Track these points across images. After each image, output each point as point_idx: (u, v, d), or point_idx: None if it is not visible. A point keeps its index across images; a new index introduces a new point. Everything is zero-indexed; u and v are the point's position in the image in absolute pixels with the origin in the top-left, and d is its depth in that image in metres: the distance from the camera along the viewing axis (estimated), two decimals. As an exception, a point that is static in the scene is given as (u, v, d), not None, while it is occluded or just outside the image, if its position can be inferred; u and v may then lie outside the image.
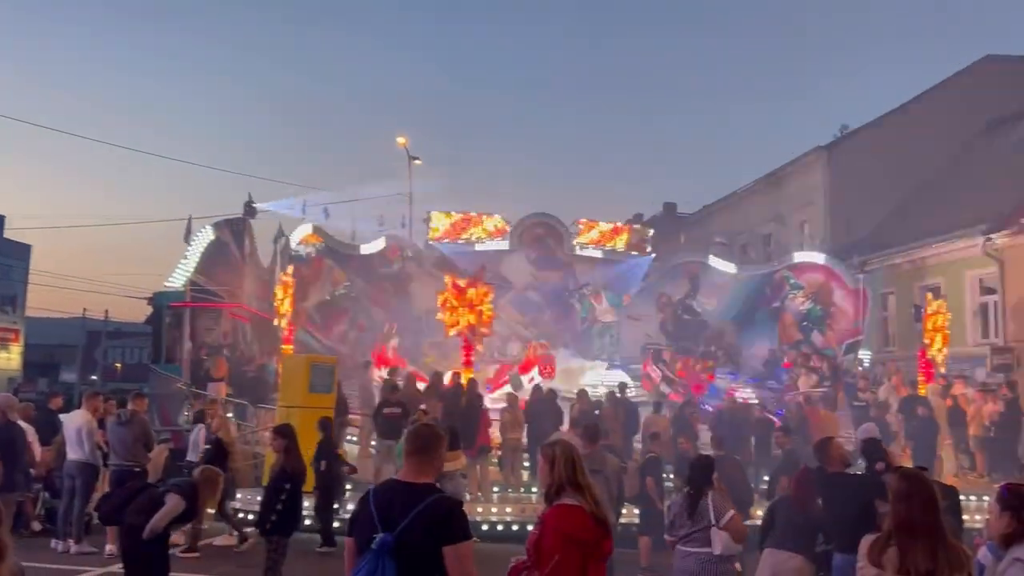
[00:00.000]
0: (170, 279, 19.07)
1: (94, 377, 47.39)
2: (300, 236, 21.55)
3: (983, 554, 5.76)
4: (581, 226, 24.48)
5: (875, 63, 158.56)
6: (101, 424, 10.87)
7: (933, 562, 3.45)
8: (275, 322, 18.28)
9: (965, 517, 12.54)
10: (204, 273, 18.66)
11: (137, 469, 9.92)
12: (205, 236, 19.38)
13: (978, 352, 21.69)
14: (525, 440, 14.22)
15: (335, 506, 12.09)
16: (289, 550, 7.41)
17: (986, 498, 12.59)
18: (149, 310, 22.24)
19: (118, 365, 51.08)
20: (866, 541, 3.73)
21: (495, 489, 13.67)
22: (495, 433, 14.22)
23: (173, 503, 6.12)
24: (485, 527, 12.28)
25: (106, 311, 46.69)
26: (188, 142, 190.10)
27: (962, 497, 13.50)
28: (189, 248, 19.11)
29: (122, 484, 9.99)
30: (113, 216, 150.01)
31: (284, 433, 7.51)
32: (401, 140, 31.55)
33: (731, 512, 6.05)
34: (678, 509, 6.14)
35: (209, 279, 18.68)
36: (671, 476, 11.61)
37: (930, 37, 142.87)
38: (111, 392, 19.38)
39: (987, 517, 3.79)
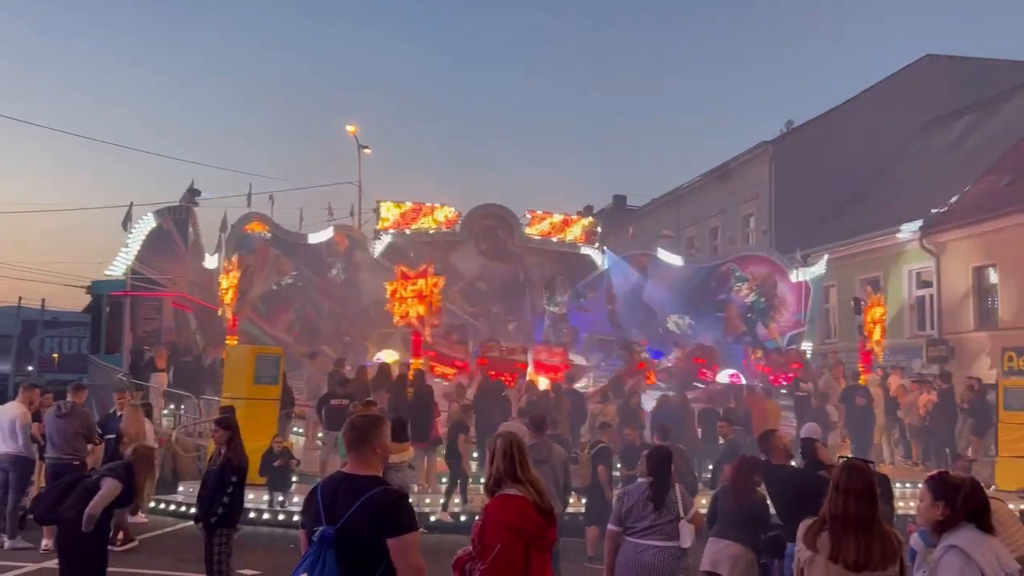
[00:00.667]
0: (110, 267, 18.64)
1: (30, 368, 46.00)
2: (245, 225, 21.17)
3: (915, 540, 5.95)
4: (532, 217, 24.51)
5: (822, 59, 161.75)
6: (38, 417, 10.59)
7: (866, 556, 3.55)
8: (219, 312, 17.96)
9: (900, 504, 13.00)
10: (145, 262, 18.27)
11: (76, 462, 9.67)
12: (146, 224, 18.97)
13: (914, 344, 22.36)
14: (473, 431, 14.22)
15: (280, 499, 11.99)
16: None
17: (920, 486, 13.01)
18: (87, 299, 21.71)
19: (55, 356, 49.78)
20: (803, 525, 3.83)
21: (442, 480, 13.65)
22: (442, 425, 14.19)
23: (109, 487, 6.02)
24: (433, 518, 12.28)
25: (42, 300, 45.23)
26: (129, 126, 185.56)
27: (898, 485, 14.00)
28: (130, 236, 18.67)
29: (59, 478, 9.75)
30: (50, 202, 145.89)
31: (226, 425, 7.34)
32: (351, 129, 31.26)
33: (694, 505, 6.01)
34: (637, 500, 5.72)
35: (151, 268, 18.29)
36: (618, 465, 11.72)
37: (875, 36, 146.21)
38: (48, 383, 18.85)
39: (920, 504, 3.91)
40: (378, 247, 22.92)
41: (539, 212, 24.65)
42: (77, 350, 43.92)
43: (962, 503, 3.64)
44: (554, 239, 24.56)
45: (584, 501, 10.96)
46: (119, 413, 10.86)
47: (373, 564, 3.32)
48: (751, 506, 6.67)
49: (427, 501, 12.59)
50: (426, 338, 16.61)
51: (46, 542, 9.58)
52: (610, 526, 5.85)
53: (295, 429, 15.56)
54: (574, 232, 24.92)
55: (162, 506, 12.33)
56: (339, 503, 3.39)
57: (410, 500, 10.82)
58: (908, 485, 14.09)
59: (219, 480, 6.98)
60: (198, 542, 7.28)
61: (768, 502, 6.84)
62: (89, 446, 10.13)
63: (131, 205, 19.14)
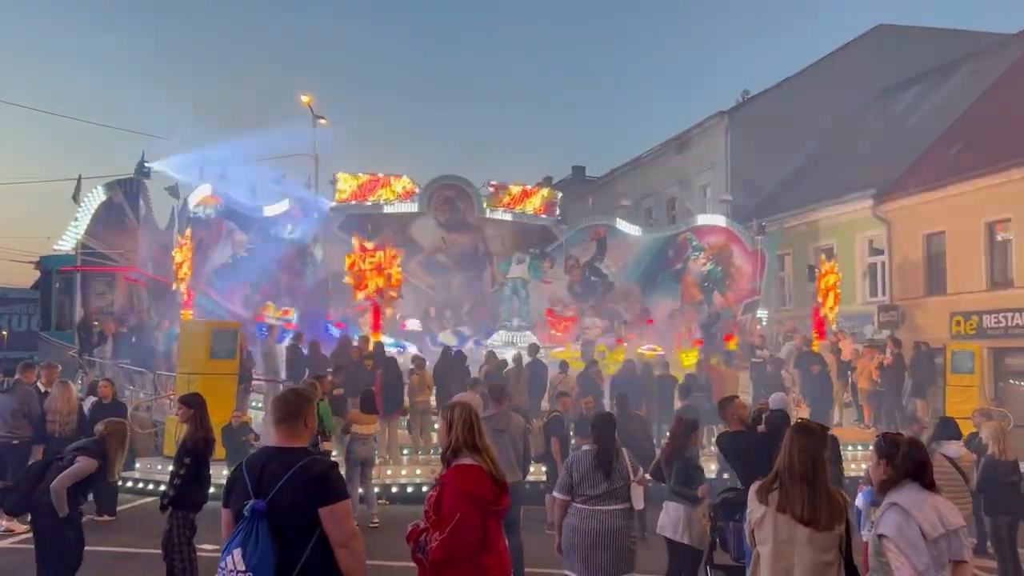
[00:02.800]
0: (59, 242, 18.19)
1: (-22, 346, 44.88)
2: (198, 197, 20.76)
3: (860, 500, 6.13)
4: (491, 188, 24.38)
5: (777, 29, 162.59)
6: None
7: (811, 510, 3.69)
8: (174, 287, 17.67)
9: (853, 466, 13.38)
10: (96, 236, 17.86)
11: (16, 441, 9.49)
12: (96, 197, 18.50)
13: (866, 310, 22.85)
14: (434, 402, 14.26)
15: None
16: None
17: (872, 448, 13.37)
18: (36, 275, 21.22)
19: (4, 333, 48.62)
20: (755, 484, 3.99)
21: (404, 452, 13.69)
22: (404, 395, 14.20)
23: (82, 464, 5.96)
24: (395, 489, 12.32)
25: (-11, 276, 44.14)
26: (77, 97, 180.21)
27: (849, 447, 14.40)
28: (79, 209, 18.21)
29: (2, 456, 9.56)
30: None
31: (190, 402, 7.02)
32: (305, 98, 30.65)
33: (640, 468, 6.10)
34: (588, 469, 5.72)
35: (101, 242, 17.90)
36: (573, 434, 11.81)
37: (828, 5, 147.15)
38: (-6, 361, 18.42)
39: (869, 465, 4.05)
40: (336, 219, 22.67)
41: (498, 183, 24.54)
42: (27, 327, 42.92)
43: (901, 461, 3.76)
44: (514, 210, 24.50)
45: (544, 470, 11.07)
46: (45, 390, 10.53)
47: (306, 535, 3.34)
48: (678, 467, 6.86)
49: (388, 472, 12.62)
50: (384, 310, 16.55)
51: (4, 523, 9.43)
52: (559, 495, 5.80)
53: (253, 404, 15.45)
54: (534, 203, 24.88)
55: (118, 483, 12.17)
56: (267, 476, 3.39)
57: (373, 471, 10.70)
58: (860, 448, 14.46)
59: (176, 461, 6.81)
60: (155, 519, 7.18)
61: (698, 463, 7.05)
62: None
63: (80, 178, 18.65)
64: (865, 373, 16.78)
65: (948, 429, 8.17)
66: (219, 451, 11.22)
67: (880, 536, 3.61)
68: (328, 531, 3.35)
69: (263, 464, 3.45)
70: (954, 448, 7.87)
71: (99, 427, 6.56)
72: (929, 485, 3.74)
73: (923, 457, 3.83)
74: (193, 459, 6.72)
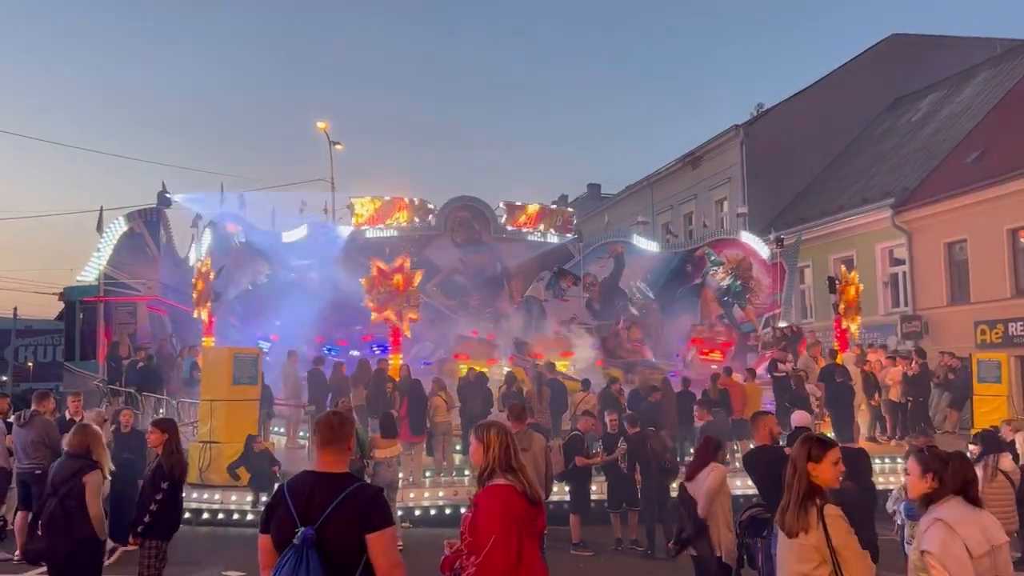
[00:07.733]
0: (82, 273, 18.39)
1: (4, 378, 45.42)
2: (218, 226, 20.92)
3: (900, 514, 6.04)
4: (507, 208, 24.44)
5: (790, 42, 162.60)
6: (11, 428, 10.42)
7: (782, 515, 3.76)
8: (195, 314, 17.80)
9: (880, 479, 13.19)
10: (118, 266, 18.04)
11: (38, 471, 9.51)
12: (118, 228, 18.71)
13: (889, 320, 22.62)
14: (456, 423, 14.22)
15: (264, 499, 11.90)
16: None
17: (899, 460, 13.15)
18: (60, 306, 21.44)
19: (30, 364, 49.17)
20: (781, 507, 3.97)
21: (426, 474, 13.65)
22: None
23: (93, 481, 5.85)
24: (418, 512, 12.28)
25: (14, 308, 44.74)
26: (98, 131, 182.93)
27: (876, 460, 14.21)
28: (101, 240, 18.42)
29: (27, 487, 9.59)
30: (18, 209, 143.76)
31: (164, 427, 6.89)
32: (321, 125, 30.89)
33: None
34: None
35: (124, 272, 18.07)
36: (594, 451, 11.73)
37: (841, 16, 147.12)
38: (24, 392, 18.63)
39: (902, 479, 3.97)
40: (353, 243, 22.78)
41: (514, 203, 24.59)
42: (52, 358, 43.41)
43: (950, 476, 3.67)
44: (530, 229, 24.53)
45: (568, 489, 11.00)
46: (71, 418, 10.57)
47: (353, 562, 3.31)
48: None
49: (411, 496, 12.58)
50: (405, 333, 16.56)
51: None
52: None
53: (275, 429, 15.48)
54: (550, 222, 24.90)
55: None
56: (315, 502, 3.34)
57: (397, 494, 10.69)
58: (887, 460, 14.26)
59: (150, 486, 6.63)
60: (175, 543, 7.02)
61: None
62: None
63: (102, 209, 18.87)
64: (889, 385, 16.56)
65: (999, 443, 8.07)
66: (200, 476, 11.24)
67: (924, 553, 3.53)
68: (374, 558, 3.30)
69: (308, 490, 3.40)
70: (1009, 462, 7.77)
71: (73, 440, 6.18)
72: (974, 501, 3.66)
73: (972, 473, 3.77)
74: (170, 484, 6.58)
